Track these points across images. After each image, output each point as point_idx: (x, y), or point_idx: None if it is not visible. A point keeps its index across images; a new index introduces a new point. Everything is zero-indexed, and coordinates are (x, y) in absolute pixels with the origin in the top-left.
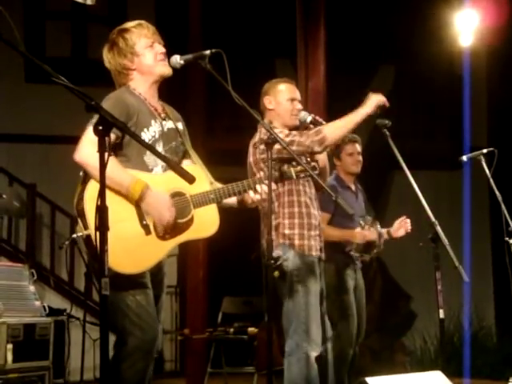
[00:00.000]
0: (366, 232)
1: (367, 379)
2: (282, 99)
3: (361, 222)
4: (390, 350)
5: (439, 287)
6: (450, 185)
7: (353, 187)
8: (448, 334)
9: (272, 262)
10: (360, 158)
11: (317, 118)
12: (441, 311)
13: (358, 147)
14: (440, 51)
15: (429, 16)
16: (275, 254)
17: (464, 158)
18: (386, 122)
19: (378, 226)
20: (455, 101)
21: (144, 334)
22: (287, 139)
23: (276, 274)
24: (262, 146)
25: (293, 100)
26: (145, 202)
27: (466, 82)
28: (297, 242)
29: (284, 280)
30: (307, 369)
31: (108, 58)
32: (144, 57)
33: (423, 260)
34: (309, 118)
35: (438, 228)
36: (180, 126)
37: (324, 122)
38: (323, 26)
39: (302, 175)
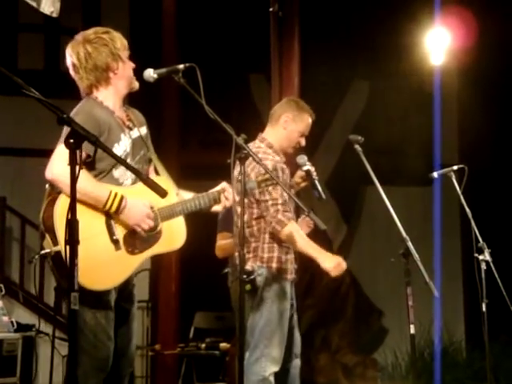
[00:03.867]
0: None
1: None
2: (298, 129)
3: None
4: (362, 365)
5: (410, 303)
6: (421, 201)
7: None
8: (419, 349)
9: (244, 275)
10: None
11: (311, 170)
12: (411, 327)
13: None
14: (412, 69)
15: (401, 34)
16: (249, 267)
17: (435, 174)
18: (359, 137)
19: None
20: (427, 118)
21: (97, 352)
22: (269, 202)
23: (248, 287)
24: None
25: (303, 135)
26: (123, 214)
27: (437, 99)
28: (274, 265)
29: (254, 294)
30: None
31: (89, 51)
32: (127, 66)
33: (395, 276)
34: (305, 167)
35: (409, 244)
36: (144, 130)
37: (316, 178)
38: (297, 40)
39: (263, 185)
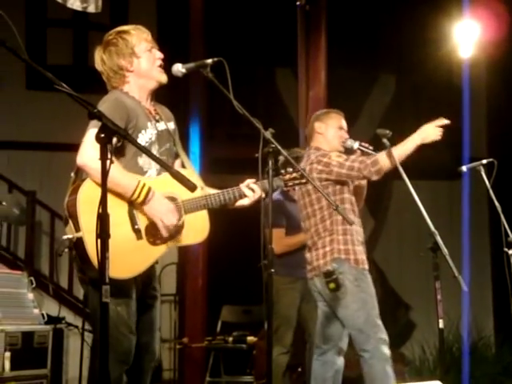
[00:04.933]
0: None
1: None
2: (332, 126)
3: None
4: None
5: (439, 297)
6: (449, 195)
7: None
8: (447, 344)
9: (327, 275)
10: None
11: (363, 143)
12: (440, 321)
13: None
14: (440, 62)
15: (429, 26)
16: (330, 267)
17: (464, 168)
18: (387, 131)
19: None
20: (455, 111)
21: (119, 345)
22: (347, 163)
23: (332, 286)
24: (320, 167)
25: (341, 128)
26: (149, 206)
27: (466, 92)
28: (352, 256)
29: (343, 291)
30: (388, 366)
31: (103, 58)
32: (143, 60)
33: (422, 270)
34: (355, 145)
35: (438, 238)
36: (171, 125)
37: (370, 147)
38: (324, 34)
39: (290, 183)
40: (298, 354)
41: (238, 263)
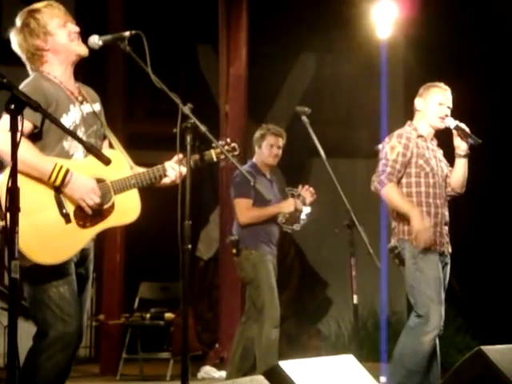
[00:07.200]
0: (291, 201)
1: (280, 362)
2: (431, 101)
3: (288, 191)
4: (306, 335)
5: (354, 273)
6: (367, 173)
7: (268, 175)
8: (362, 319)
9: (390, 251)
10: (279, 152)
11: (459, 125)
12: (355, 297)
13: (281, 142)
14: (359, 41)
15: (349, 6)
16: (392, 243)
17: (380, 146)
18: (306, 109)
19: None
20: (373, 90)
21: (66, 327)
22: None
23: (396, 261)
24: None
25: (441, 104)
26: (68, 187)
27: (384, 72)
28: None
29: (404, 266)
30: (422, 345)
31: (19, 40)
32: (57, 36)
33: (340, 247)
34: (452, 124)
35: (353, 215)
36: (97, 107)
37: (467, 129)
38: (245, 11)
39: (223, 157)
40: (216, 331)
41: (155, 240)
